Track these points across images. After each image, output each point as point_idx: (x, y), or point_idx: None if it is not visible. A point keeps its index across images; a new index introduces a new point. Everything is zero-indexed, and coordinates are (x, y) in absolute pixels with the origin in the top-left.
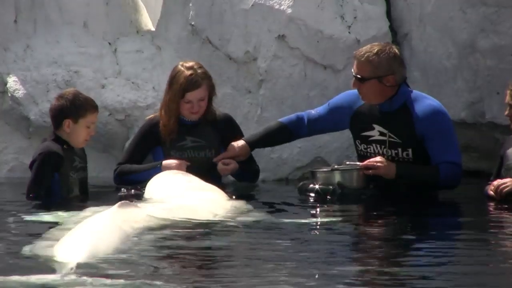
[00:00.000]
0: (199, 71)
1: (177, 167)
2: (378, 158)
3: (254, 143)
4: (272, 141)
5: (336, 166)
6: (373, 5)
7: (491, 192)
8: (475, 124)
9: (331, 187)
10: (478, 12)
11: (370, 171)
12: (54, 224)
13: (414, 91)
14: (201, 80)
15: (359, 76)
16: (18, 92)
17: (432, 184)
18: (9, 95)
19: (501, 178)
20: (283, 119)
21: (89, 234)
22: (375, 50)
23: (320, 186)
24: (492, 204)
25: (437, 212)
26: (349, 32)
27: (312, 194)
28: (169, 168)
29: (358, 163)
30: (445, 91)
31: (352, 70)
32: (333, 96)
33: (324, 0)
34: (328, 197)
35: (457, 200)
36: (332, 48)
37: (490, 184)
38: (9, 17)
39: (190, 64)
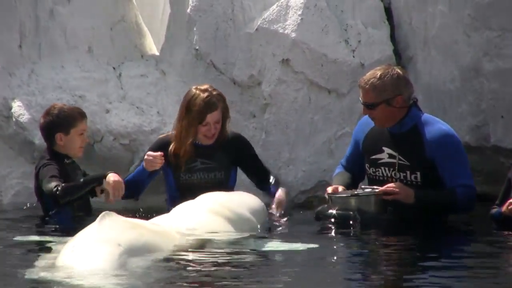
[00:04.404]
0: (214, 93)
1: (153, 161)
2: (396, 183)
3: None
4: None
5: (356, 192)
6: (377, 29)
7: (506, 210)
8: (480, 148)
9: (351, 212)
10: (482, 36)
11: (390, 196)
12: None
13: (425, 114)
14: (217, 102)
15: (367, 103)
16: (23, 117)
17: (450, 208)
18: (14, 120)
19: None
20: (338, 170)
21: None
22: (378, 75)
23: (339, 212)
24: (499, 227)
25: (448, 236)
26: (353, 56)
27: (331, 220)
28: (146, 163)
29: (375, 187)
30: (449, 115)
31: (360, 98)
32: (338, 120)
33: (328, 24)
34: (351, 222)
35: (464, 223)
36: (337, 72)
37: (494, 207)
38: (14, 42)
39: (204, 87)
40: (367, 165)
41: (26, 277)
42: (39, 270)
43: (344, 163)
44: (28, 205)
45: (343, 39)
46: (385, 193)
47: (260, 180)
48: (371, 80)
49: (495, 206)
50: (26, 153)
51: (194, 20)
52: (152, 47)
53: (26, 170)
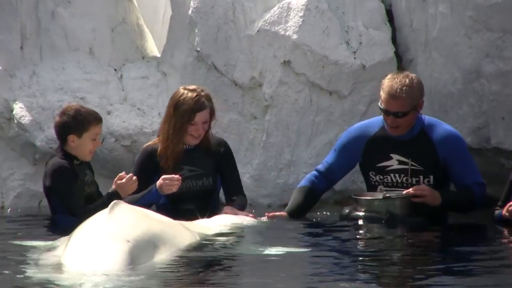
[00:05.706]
0: (202, 93)
1: (170, 184)
2: (424, 186)
3: (292, 215)
4: (305, 209)
5: (388, 195)
6: (378, 31)
7: (506, 213)
8: (481, 150)
9: (384, 216)
10: (483, 38)
11: (418, 199)
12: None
13: (425, 116)
14: (206, 101)
15: (402, 112)
16: (24, 119)
17: (469, 206)
18: (15, 121)
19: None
20: (301, 183)
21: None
22: (407, 82)
23: (367, 214)
24: (503, 228)
25: (451, 237)
26: (354, 58)
27: (359, 222)
28: (163, 187)
29: (402, 189)
30: (451, 117)
31: (388, 109)
32: (339, 121)
33: (330, 26)
34: (383, 221)
35: (468, 225)
36: (338, 73)
37: (496, 208)
38: (15, 44)
39: (192, 87)
40: (371, 173)
41: (32, 276)
42: (46, 269)
43: (322, 170)
44: (30, 207)
45: (344, 41)
46: (413, 195)
47: (230, 193)
48: (405, 88)
49: (498, 208)
50: (28, 154)
51: (195, 22)
52: (153, 48)
53: (28, 171)
